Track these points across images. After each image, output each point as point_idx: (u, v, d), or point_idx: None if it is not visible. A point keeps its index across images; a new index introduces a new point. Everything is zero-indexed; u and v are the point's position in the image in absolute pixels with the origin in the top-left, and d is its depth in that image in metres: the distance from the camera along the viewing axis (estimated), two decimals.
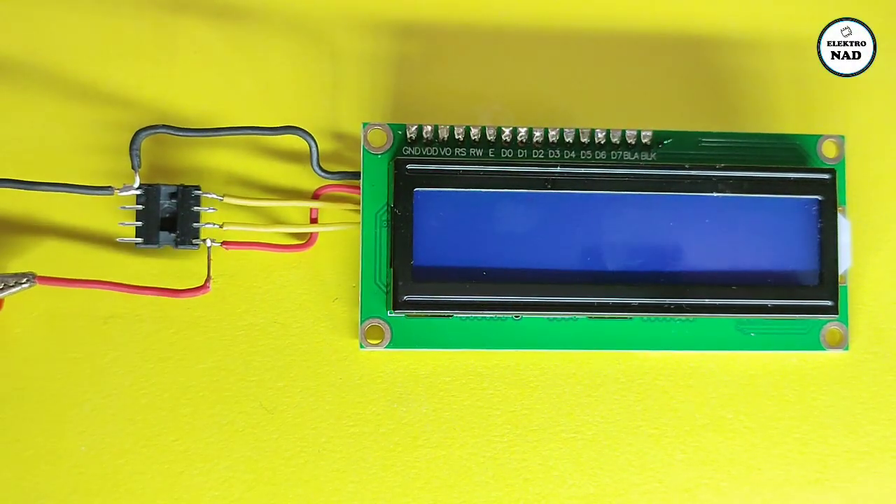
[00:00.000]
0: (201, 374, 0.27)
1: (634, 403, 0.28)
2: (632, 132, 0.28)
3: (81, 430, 0.27)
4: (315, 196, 0.28)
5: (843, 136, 0.29)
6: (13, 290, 0.26)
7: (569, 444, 0.28)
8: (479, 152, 0.27)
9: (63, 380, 0.27)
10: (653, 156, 0.28)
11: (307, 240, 0.28)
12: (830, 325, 0.28)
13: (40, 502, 0.27)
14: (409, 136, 0.27)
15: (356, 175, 0.27)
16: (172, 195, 0.27)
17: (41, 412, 0.27)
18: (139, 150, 0.26)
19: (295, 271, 0.28)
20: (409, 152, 0.27)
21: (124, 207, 0.27)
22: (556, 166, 0.27)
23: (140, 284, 0.27)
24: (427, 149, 0.27)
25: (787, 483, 0.28)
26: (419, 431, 0.28)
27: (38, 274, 0.26)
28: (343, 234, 0.28)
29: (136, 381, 0.27)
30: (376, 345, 0.27)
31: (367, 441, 0.28)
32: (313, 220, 0.28)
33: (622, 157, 0.28)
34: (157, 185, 0.27)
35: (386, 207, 0.27)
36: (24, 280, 0.26)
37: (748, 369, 0.29)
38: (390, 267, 0.27)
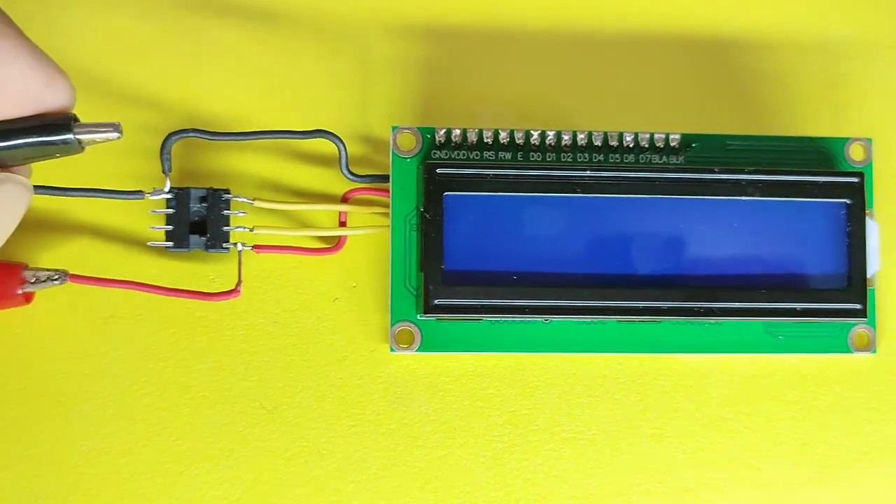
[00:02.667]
0: (201, 374, 0.27)
1: (635, 404, 0.28)
2: (660, 135, 0.28)
3: (81, 430, 0.27)
4: (344, 199, 0.28)
5: (870, 139, 0.29)
6: (44, 284, 0.26)
7: (569, 445, 0.28)
8: (508, 155, 0.27)
9: (63, 380, 0.27)
10: (681, 159, 0.28)
11: (336, 243, 0.28)
12: (858, 328, 0.28)
13: (40, 502, 0.27)
14: (437, 139, 0.27)
15: (385, 178, 0.27)
16: (202, 199, 0.27)
17: (41, 412, 0.27)
18: (170, 154, 0.26)
19: (321, 273, 0.28)
20: (437, 156, 0.27)
21: (155, 211, 0.27)
22: (584, 170, 0.27)
23: (171, 287, 0.27)
24: (456, 152, 0.27)
25: (787, 483, 0.28)
26: (419, 431, 0.28)
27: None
28: (372, 238, 0.28)
29: (136, 381, 0.27)
30: (406, 348, 0.27)
31: (367, 441, 0.28)
32: (342, 224, 0.28)
33: (650, 160, 0.28)
34: (188, 188, 0.27)
35: (415, 211, 0.27)
36: (56, 277, 0.26)
37: (748, 369, 0.29)
38: (420, 271, 0.27)
